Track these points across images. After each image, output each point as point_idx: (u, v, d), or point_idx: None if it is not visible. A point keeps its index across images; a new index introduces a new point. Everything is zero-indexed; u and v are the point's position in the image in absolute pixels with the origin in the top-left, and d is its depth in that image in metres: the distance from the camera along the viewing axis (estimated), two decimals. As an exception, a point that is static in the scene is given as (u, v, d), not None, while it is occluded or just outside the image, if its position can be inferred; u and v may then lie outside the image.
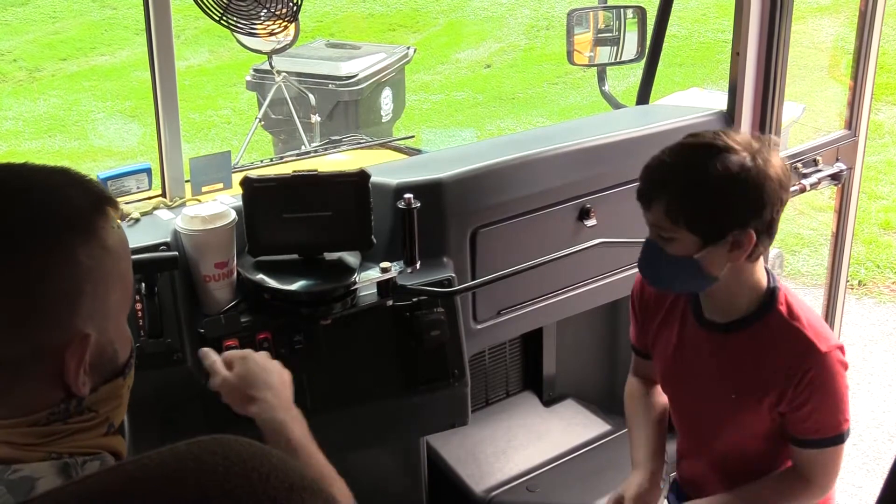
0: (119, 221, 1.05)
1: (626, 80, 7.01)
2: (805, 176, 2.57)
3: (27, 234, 0.95)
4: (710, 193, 1.73)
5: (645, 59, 2.94)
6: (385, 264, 2.00)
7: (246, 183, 1.95)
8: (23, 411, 0.98)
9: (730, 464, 1.99)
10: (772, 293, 1.85)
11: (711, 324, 1.90)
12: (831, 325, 2.83)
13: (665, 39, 2.92)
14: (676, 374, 2.02)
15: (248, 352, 1.54)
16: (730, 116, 2.54)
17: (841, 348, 1.85)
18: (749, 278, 1.83)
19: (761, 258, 1.84)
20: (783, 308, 1.84)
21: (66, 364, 0.97)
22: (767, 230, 1.76)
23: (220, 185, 2.21)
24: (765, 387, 1.84)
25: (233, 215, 1.94)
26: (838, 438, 1.87)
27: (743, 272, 1.81)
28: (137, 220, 2.08)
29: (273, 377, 1.48)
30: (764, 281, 1.86)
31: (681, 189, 1.74)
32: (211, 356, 1.54)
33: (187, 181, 2.20)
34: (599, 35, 3.01)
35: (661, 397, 2.14)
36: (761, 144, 1.75)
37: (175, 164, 2.17)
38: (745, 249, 1.74)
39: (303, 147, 4.52)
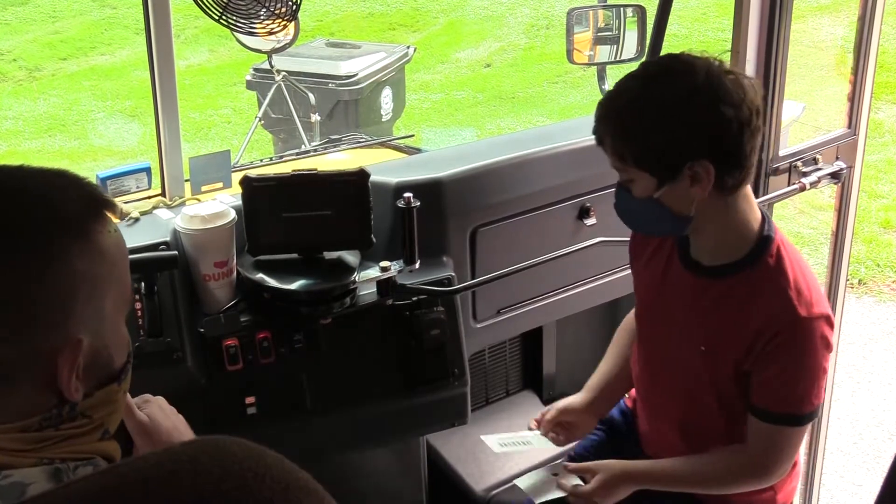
0: (116, 225, 1.03)
1: (626, 79, 6.99)
2: (805, 175, 2.57)
3: (19, 237, 0.94)
4: (652, 125, 1.59)
5: (645, 58, 2.94)
6: (385, 263, 2.00)
7: (245, 182, 1.94)
8: (14, 417, 0.97)
9: (686, 427, 1.88)
10: (763, 242, 1.70)
11: (696, 265, 1.77)
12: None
13: (665, 38, 2.91)
14: (652, 316, 1.90)
15: (148, 396, 1.38)
16: (730, 115, 2.54)
17: (828, 319, 1.69)
18: (735, 218, 1.68)
19: (752, 199, 1.71)
20: (771, 260, 1.69)
21: (58, 369, 0.96)
22: (732, 159, 1.59)
23: (220, 185, 2.20)
24: (734, 343, 1.71)
25: (232, 214, 1.94)
26: (797, 419, 1.72)
27: (725, 211, 1.67)
28: (137, 220, 2.08)
29: (178, 421, 1.35)
30: (756, 226, 1.70)
31: (623, 124, 1.61)
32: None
33: (187, 180, 2.20)
34: (599, 34, 3.00)
35: None
36: (724, 64, 1.60)
37: (175, 164, 2.17)
38: (705, 183, 1.59)
39: (302, 146, 4.51)
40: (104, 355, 1.01)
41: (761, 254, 1.70)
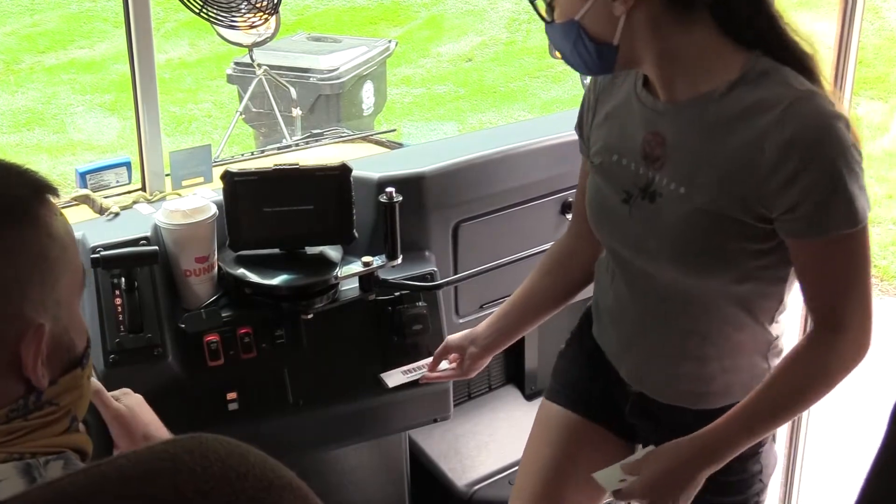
0: (61, 209, 1.03)
1: (607, 74, 7.00)
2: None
3: None
4: None
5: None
6: (367, 258, 2.00)
7: (227, 177, 1.93)
8: None
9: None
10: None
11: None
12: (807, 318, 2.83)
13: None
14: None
15: (127, 390, 1.39)
16: (711, 110, 2.55)
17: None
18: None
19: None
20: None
21: (22, 357, 0.96)
22: None
23: (201, 179, 2.20)
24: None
25: (213, 209, 1.93)
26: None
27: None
28: (117, 215, 2.07)
29: (154, 416, 1.36)
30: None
31: None
32: (96, 383, 1.28)
33: (167, 175, 2.19)
34: (581, 29, 3.01)
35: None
36: None
37: (155, 158, 2.16)
38: None
39: (284, 140, 4.50)
40: (66, 340, 1.01)
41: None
